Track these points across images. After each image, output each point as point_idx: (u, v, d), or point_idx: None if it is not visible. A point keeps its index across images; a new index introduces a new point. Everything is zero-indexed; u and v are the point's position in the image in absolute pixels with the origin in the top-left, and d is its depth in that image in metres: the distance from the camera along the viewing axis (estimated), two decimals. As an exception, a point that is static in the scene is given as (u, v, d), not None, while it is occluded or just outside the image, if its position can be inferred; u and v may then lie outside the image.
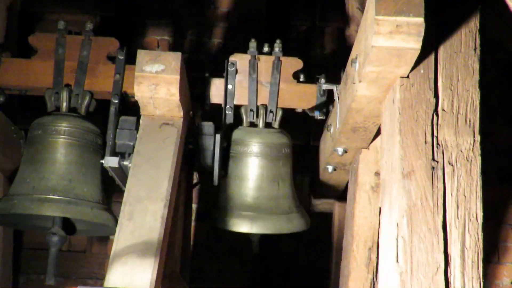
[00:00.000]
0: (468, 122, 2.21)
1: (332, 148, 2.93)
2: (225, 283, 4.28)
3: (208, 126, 3.03)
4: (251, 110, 3.10)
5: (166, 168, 2.61)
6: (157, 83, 2.68)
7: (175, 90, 2.69)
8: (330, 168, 3.13)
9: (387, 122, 2.34)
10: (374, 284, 2.78)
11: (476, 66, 2.27)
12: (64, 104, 2.99)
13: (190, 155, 3.03)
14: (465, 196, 2.13)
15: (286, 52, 3.11)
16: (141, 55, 2.69)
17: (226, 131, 3.11)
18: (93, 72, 3.04)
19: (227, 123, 3.12)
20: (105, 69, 3.04)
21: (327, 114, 3.12)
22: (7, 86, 3.06)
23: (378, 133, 2.69)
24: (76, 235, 3.35)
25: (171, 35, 4.46)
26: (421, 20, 2.05)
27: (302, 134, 3.28)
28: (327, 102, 3.11)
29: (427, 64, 2.26)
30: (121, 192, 2.63)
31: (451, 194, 2.13)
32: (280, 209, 3.11)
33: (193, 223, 3.93)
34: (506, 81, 4.34)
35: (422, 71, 2.25)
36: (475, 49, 2.29)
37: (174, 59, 2.69)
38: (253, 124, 3.14)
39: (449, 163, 2.16)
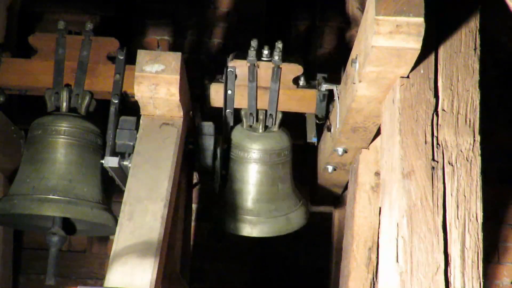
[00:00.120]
0: (468, 122, 2.21)
1: (332, 148, 2.93)
2: (225, 283, 4.28)
3: (208, 126, 3.03)
4: (251, 114, 3.10)
5: (166, 168, 2.62)
6: (157, 83, 2.68)
7: (175, 90, 2.69)
8: (330, 168, 3.13)
9: (387, 122, 2.34)
10: (374, 284, 2.78)
11: (476, 66, 2.27)
12: (64, 104, 2.99)
13: (190, 155, 3.03)
14: (465, 196, 2.13)
15: (286, 52, 3.10)
16: (141, 55, 2.69)
17: (226, 134, 3.12)
18: (93, 72, 3.04)
19: (228, 126, 3.12)
20: (105, 69, 3.04)
21: (327, 115, 3.12)
22: (7, 86, 3.06)
23: (378, 133, 2.69)
24: (76, 235, 3.35)
25: (171, 35, 4.46)
26: (421, 20, 2.05)
27: (302, 134, 3.27)
28: (327, 107, 3.11)
29: (427, 64, 2.26)
30: (121, 192, 2.63)
31: (451, 194, 2.13)
32: (280, 211, 3.16)
33: (193, 223, 3.94)
34: (506, 81, 4.34)
35: (422, 71, 2.25)
36: (475, 49, 2.29)
37: (174, 59, 2.69)
38: (253, 127, 3.14)
39: (449, 163, 2.16)
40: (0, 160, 3.08)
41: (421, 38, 2.06)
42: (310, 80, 3.15)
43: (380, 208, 2.44)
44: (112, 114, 2.91)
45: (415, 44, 2.07)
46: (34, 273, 4.23)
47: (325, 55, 4.45)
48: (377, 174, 2.83)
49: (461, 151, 2.18)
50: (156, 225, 2.41)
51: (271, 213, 3.15)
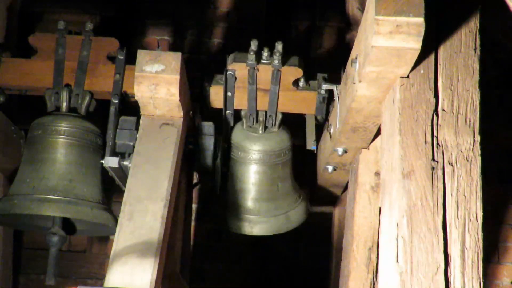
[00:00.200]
0: (468, 122, 2.21)
1: (332, 148, 2.93)
2: (225, 283, 4.28)
3: (208, 126, 3.03)
4: (251, 115, 3.10)
5: (166, 168, 2.62)
6: (157, 83, 2.68)
7: (175, 90, 2.69)
8: (330, 168, 3.13)
9: (387, 122, 2.34)
10: (374, 284, 2.78)
11: (476, 66, 2.27)
12: (64, 104, 2.99)
13: (190, 155, 3.03)
14: (465, 196, 2.13)
15: (286, 52, 3.09)
16: (141, 55, 2.69)
17: (226, 135, 3.12)
18: (93, 72, 3.04)
19: (228, 127, 3.12)
20: (105, 69, 3.04)
21: (326, 117, 3.12)
22: (7, 86, 3.06)
23: (378, 133, 2.69)
24: (76, 235, 3.35)
25: (171, 35, 4.46)
26: (421, 20, 2.05)
27: (302, 134, 3.27)
28: (327, 108, 3.11)
29: (427, 64, 2.26)
30: (121, 192, 2.63)
31: (451, 194, 2.13)
32: (279, 209, 3.18)
33: (193, 223, 3.93)
34: (506, 81, 4.34)
35: (422, 71, 2.25)
36: (475, 49, 2.29)
37: (174, 59, 2.69)
38: (252, 127, 3.14)
39: (449, 163, 2.16)
40: (0, 160, 3.08)
41: (421, 38, 2.06)
42: (310, 80, 3.14)
43: (380, 208, 2.44)
44: (112, 114, 2.91)
45: (415, 44, 2.07)
46: (34, 273, 4.23)
47: (325, 55, 4.45)
48: (377, 174, 2.83)
49: (461, 151, 2.18)
50: (156, 225, 2.41)
51: (271, 212, 3.17)
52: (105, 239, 4.27)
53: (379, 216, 2.53)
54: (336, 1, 3.91)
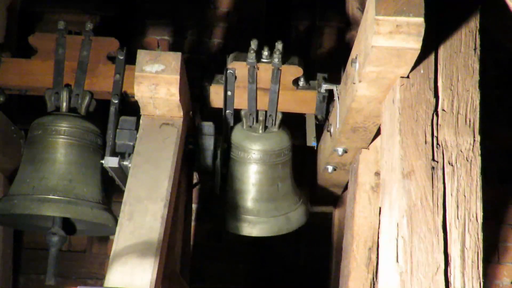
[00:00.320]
0: (468, 122, 2.21)
1: (332, 148, 2.93)
2: (225, 283, 4.28)
3: (208, 126, 3.03)
4: (251, 114, 3.10)
5: (166, 168, 2.61)
6: (157, 83, 2.68)
7: (175, 90, 2.69)
8: (330, 168, 3.13)
9: (387, 122, 2.34)
10: (374, 284, 2.78)
11: (476, 66, 2.27)
12: (64, 104, 2.99)
13: (190, 155, 3.03)
14: (465, 196, 2.13)
15: (286, 52, 3.10)
16: (141, 55, 2.69)
17: (226, 135, 3.12)
18: (93, 72, 3.04)
19: (227, 127, 3.12)
20: (105, 69, 3.04)
21: (326, 116, 3.12)
22: (7, 86, 3.06)
23: (378, 133, 2.68)
24: (76, 235, 3.35)
25: (171, 35, 4.46)
26: (421, 20, 2.05)
27: (302, 134, 3.27)
28: (327, 107, 3.11)
29: (427, 64, 2.26)
30: (121, 192, 2.63)
31: (451, 194, 2.13)
32: (279, 210, 3.17)
33: (193, 223, 3.93)
34: (506, 81, 4.34)
35: (422, 71, 2.25)
36: (475, 49, 2.29)
37: (174, 59, 2.69)
38: (252, 127, 3.14)
39: (449, 163, 2.16)
40: (0, 160, 3.08)
41: (421, 38, 2.06)
42: (310, 80, 3.14)
43: (380, 208, 2.44)
44: (112, 114, 2.91)
45: (415, 44, 2.07)
46: (34, 273, 4.23)
47: (325, 55, 4.45)
48: (377, 174, 2.83)
49: (461, 151, 2.18)
50: (156, 225, 2.41)
51: (270, 212, 3.16)
52: (105, 239, 4.27)
53: (379, 216, 2.53)
54: (336, 1, 3.91)
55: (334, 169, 3.14)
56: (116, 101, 2.93)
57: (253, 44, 2.95)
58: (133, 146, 2.78)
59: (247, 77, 3.01)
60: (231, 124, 3.13)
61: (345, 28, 3.66)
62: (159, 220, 2.43)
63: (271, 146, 3.11)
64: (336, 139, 2.84)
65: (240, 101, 3.09)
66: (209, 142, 3.03)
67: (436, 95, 2.24)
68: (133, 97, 2.79)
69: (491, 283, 4.22)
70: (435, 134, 2.19)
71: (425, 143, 2.18)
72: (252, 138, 3.11)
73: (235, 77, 3.05)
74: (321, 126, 3.19)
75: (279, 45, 2.96)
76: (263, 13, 4.44)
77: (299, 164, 3.37)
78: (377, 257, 2.74)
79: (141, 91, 2.70)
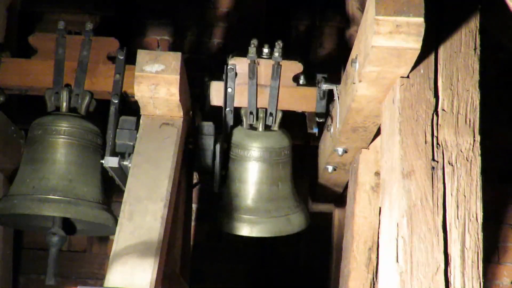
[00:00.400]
0: (468, 122, 2.21)
1: (332, 148, 2.93)
2: (225, 283, 4.28)
3: (208, 126, 3.03)
4: (251, 113, 3.10)
5: (166, 168, 2.61)
6: (157, 83, 2.68)
7: (175, 90, 2.69)
8: (330, 168, 3.13)
9: (387, 122, 2.34)
10: (374, 284, 2.78)
11: (476, 66, 2.27)
12: (64, 104, 2.99)
13: (190, 155, 3.03)
14: (465, 196, 2.13)
15: (286, 52, 3.10)
16: (141, 55, 2.69)
17: (226, 134, 3.12)
18: (93, 72, 3.04)
19: (227, 125, 3.12)
20: (105, 69, 3.04)
21: (327, 115, 3.12)
22: (7, 86, 3.06)
23: (378, 133, 2.69)
24: (76, 235, 3.35)
25: (171, 35, 4.46)
26: (421, 20, 2.05)
27: (302, 134, 3.27)
28: (327, 104, 3.11)
29: (427, 64, 2.26)
30: (121, 192, 2.63)
31: (451, 194, 2.13)
32: (280, 211, 3.13)
33: (193, 223, 3.94)
34: (506, 81, 4.34)
35: (422, 71, 2.25)
36: (475, 49, 2.29)
37: (174, 59, 2.69)
38: (253, 126, 3.14)
39: (449, 163, 2.16)
40: (0, 160, 3.08)
41: (421, 38, 2.06)
42: (310, 80, 3.15)
43: (380, 208, 2.44)
44: (112, 114, 2.91)
45: (415, 44, 2.07)
46: (34, 273, 4.23)
47: (325, 55, 4.45)
48: (377, 174, 2.83)
49: (461, 151, 2.18)
50: (156, 225, 2.41)
51: (271, 213, 3.13)
52: (105, 239, 4.27)
53: (379, 216, 2.53)
54: (336, 1, 3.91)
55: (334, 169, 3.14)
56: (116, 101, 2.93)
57: (254, 41, 3.00)
58: (133, 146, 2.78)
59: (248, 73, 3.03)
60: (231, 123, 3.12)
61: (345, 28, 3.67)
62: (159, 220, 2.43)
63: (271, 143, 3.09)
64: (336, 139, 2.84)
65: (241, 99, 3.10)
66: (209, 142, 3.02)
67: (436, 95, 2.24)
68: (133, 97, 2.79)
69: (491, 283, 4.22)
70: (435, 134, 2.19)
71: (425, 143, 2.18)
72: (252, 135, 3.10)
73: (236, 74, 3.06)
74: (321, 124, 3.19)
75: (279, 42, 3.02)
76: (263, 13, 4.44)
77: (299, 164, 3.37)
78: (377, 257, 2.74)
79: (141, 91, 2.70)
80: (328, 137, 3.03)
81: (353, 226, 2.83)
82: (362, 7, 3.26)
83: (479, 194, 2.14)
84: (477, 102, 2.24)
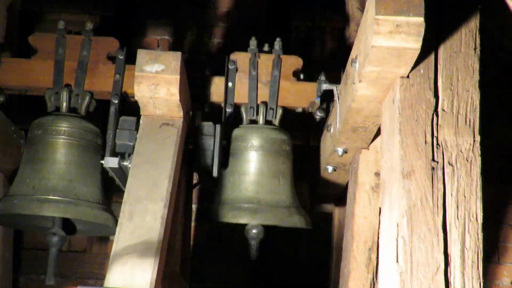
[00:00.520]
0: (468, 122, 2.21)
1: (332, 148, 2.93)
2: (225, 283, 4.28)
3: (208, 126, 3.02)
4: (251, 107, 3.10)
5: (166, 168, 2.61)
6: (157, 83, 2.68)
7: (175, 90, 2.69)
8: (330, 168, 3.13)
9: (387, 122, 2.34)
10: (374, 284, 2.78)
11: (476, 66, 2.27)
12: (64, 104, 2.99)
13: (190, 155, 3.03)
14: (465, 196, 2.13)
15: (286, 52, 3.11)
16: (141, 55, 2.69)
17: (225, 129, 3.10)
18: (93, 72, 3.04)
19: (227, 120, 3.11)
20: (105, 69, 3.05)
21: (327, 113, 3.11)
22: (7, 86, 3.06)
23: (378, 133, 2.68)
24: (76, 235, 3.35)
25: (171, 35, 4.46)
26: (421, 20, 2.05)
27: (302, 134, 3.27)
28: (327, 101, 3.10)
29: (427, 64, 2.26)
30: (121, 192, 2.63)
31: (451, 194, 2.13)
32: (281, 202, 3.05)
33: (193, 223, 3.93)
34: (506, 81, 4.34)
35: (422, 71, 2.25)
36: (475, 49, 2.29)
37: (174, 59, 2.69)
38: (253, 122, 3.13)
39: (449, 163, 2.16)
40: (0, 160, 3.08)
41: (421, 38, 2.06)
42: (310, 79, 3.16)
43: (380, 208, 2.44)
44: (112, 114, 2.91)
45: (415, 44, 2.07)
46: (34, 273, 4.23)
47: (325, 55, 4.45)
48: (377, 174, 2.83)
49: (461, 151, 2.18)
50: (156, 225, 2.41)
51: (272, 203, 3.04)
52: (105, 239, 4.27)
53: (379, 216, 2.53)
54: (336, 1, 3.91)
55: (334, 169, 3.14)
56: (116, 101, 2.93)
57: (254, 38, 3.09)
58: (133, 146, 2.77)
59: (248, 68, 3.05)
60: (231, 117, 3.11)
61: (345, 28, 3.67)
62: (159, 220, 2.43)
63: (271, 135, 3.07)
64: (336, 139, 2.84)
65: (241, 94, 3.10)
66: (209, 142, 3.02)
67: (436, 95, 2.24)
68: (133, 97, 2.79)
69: (491, 283, 4.22)
70: (435, 134, 2.19)
71: (425, 143, 2.18)
72: (252, 128, 3.09)
73: (236, 69, 3.08)
74: (321, 124, 3.19)
75: (279, 39, 3.11)
76: (263, 13, 4.44)
77: (299, 164, 3.37)
78: (377, 257, 2.74)
79: (141, 91, 2.70)
80: (328, 137, 3.03)
81: (353, 226, 2.83)
82: (362, 7, 3.26)
83: (479, 194, 2.14)
84: (477, 102, 2.24)
